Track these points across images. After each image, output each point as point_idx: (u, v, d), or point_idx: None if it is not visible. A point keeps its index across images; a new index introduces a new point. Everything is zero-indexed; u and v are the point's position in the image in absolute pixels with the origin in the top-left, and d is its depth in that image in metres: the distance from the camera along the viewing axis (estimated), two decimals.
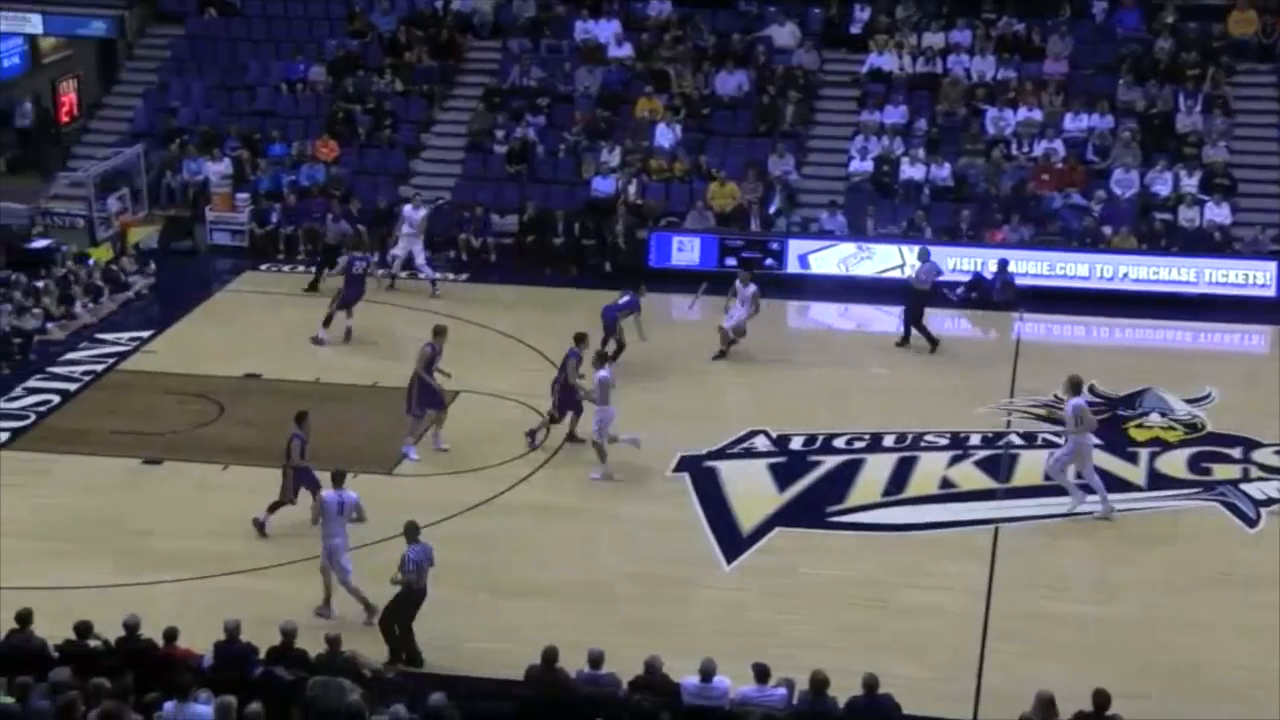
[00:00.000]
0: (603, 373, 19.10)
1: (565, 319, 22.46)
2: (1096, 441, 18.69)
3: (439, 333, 19.99)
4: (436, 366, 19.75)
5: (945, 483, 19.36)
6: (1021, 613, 16.43)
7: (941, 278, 24.26)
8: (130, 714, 11.67)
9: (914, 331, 23.51)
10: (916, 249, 24.73)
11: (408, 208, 26.10)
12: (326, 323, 23.55)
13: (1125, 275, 25.90)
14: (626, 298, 22.21)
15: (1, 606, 14.95)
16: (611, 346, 21.75)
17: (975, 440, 20.34)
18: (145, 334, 23.90)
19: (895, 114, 28.95)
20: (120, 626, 13.73)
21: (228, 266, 27.14)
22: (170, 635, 13.75)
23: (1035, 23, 30.30)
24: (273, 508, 17.57)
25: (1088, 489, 18.40)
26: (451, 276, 26.60)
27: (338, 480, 16.24)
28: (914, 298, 23.72)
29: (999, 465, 19.62)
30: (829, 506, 18.69)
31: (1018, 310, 25.11)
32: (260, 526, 17.59)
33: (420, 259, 25.76)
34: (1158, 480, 19.45)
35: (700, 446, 20.04)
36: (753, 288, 22.78)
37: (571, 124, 29.31)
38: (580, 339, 19.99)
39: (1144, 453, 20.11)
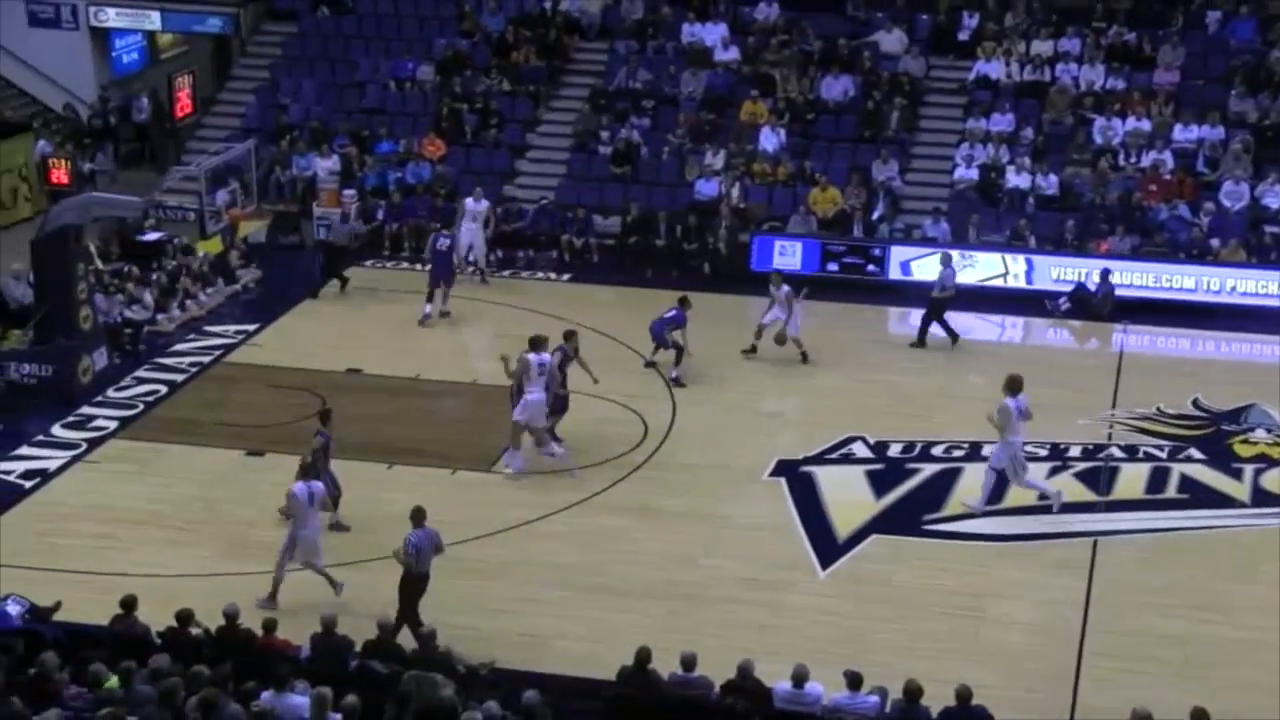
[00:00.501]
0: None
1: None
2: (1034, 452, 18.58)
3: (569, 336, 19.86)
4: (570, 365, 19.72)
5: (1044, 494, 19.09)
6: (1119, 628, 16.16)
7: (953, 283, 23.98)
8: (229, 702, 11.82)
9: (921, 334, 23.59)
10: (939, 254, 24.59)
11: (469, 200, 26.30)
12: (429, 299, 23.86)
13: (1233, 289, 25.38)
14: (673, 311, 22.08)
15: (107, 592, 15.27)
16: (659, 355, 21.85)
17: (1075, 452, 20.06)
18: (251, 327, 24.23)
19: (1002, 122, 28.62)
20: (220, 615, 13.93)
21: None
22: (269, 626, 13.94)
23: (1146, 32, 29.80)
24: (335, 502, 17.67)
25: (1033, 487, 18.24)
26: (554, 276, 26.71)
27: (306, 473, 16.34)
28: (935, 304, 23.61)
29: (1099, 478, 19.32)
30: (926, 515, 18.51)
31: (1120, 322, 24.72)
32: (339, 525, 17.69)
33: (480, 249, 25.88)
34: (1262, 497, 19.05)
35: (797, 452, 19.94)
36: (785, 289, 22.63)
37: (676, 126, 29.31)
38: (569, 335, 19.92)
39: (1249, 469, 19.71)
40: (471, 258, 26.01)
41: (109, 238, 25.74)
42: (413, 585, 15.31)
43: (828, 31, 30.74)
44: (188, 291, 24.70)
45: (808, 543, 17.84)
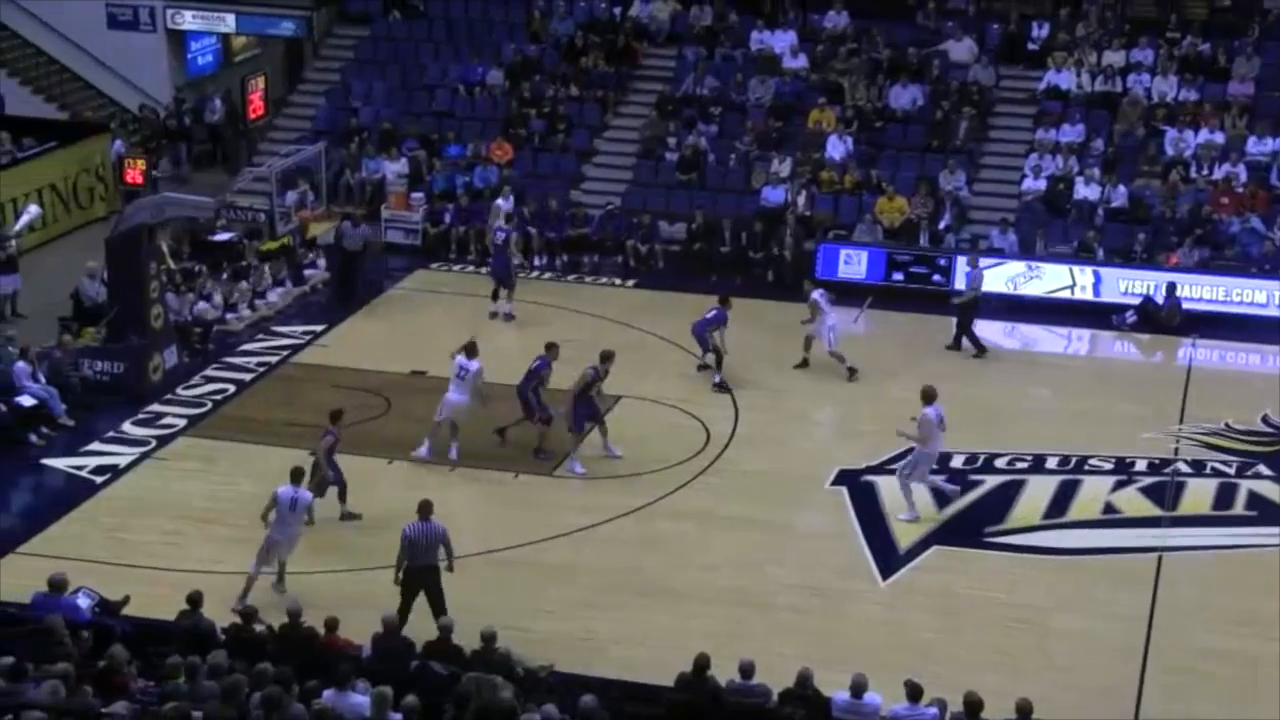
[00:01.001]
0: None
1: (728, 327, 22.40)
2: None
3: (606, 358, 19.87)
4: (596, 389, 19.73)
5: (1109, 508, 18.94)
6: (1184, 645, 16.00)
7: (979, 285, 24.00)
8: (291, 700, 11.93)
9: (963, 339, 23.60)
10: (966, 258, 24.56)
11: (499, 200, 26.43)
12: (494, 296, 24.22)
13: None
14: (713, 311, 22.10)
15: (174, 588, 15.47)
16: (710, 358, 21.82)
17: (1141, 466, 19.87)
18: (318, 328, 24.44)
19: (1072, 133, 28.40)
20: (284, 614, 14.07)
21: (400, 264, 27.61)
22: (331, 625, 14.05)
23: (1221, 43, 29.48)
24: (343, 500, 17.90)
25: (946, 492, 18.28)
26: (618, 282, 26.77)
27: (295, 478, 16.42)
28: (963, 308, 23.62)
29: (1165, 492, 19.13)
30: (988, 527, 18.41)
31: (1189, 335, 24.46)
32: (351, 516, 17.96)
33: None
34: None
35: (859, 461, 19.88)
36: (818, 295, 22.74)
37: (743, 133, 29.30)
38: (550, 348, 19.91)
39: None
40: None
41: (181, 237, 26.06)
42: (406, 578, 15.36)
43: (897, 40, 30.63)
44: (256, 292, 24.94)
45: (868, 552, 17.79)
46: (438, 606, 15.34)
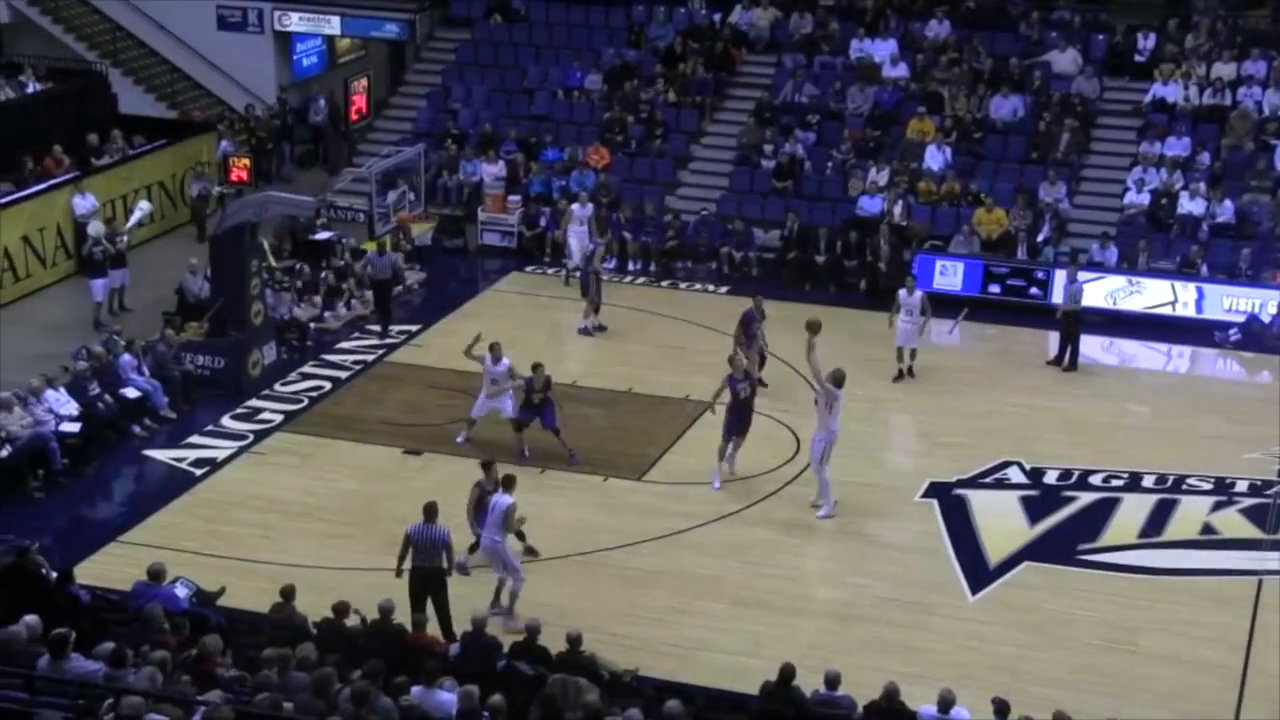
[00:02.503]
0: None
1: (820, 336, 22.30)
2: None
3: (745, 373, 19.61)
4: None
5: (1207, 529, 18.66)
6: None
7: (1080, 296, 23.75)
8: (380, 695, 12.08)
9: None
10: (1065, 271, 24.38)
11: (575, 205, 26.55)
12: (588, 312, 24.31)
13: None
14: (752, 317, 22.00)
15: (267, 580, 15.72)
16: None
17: (1242, 487, 19.55)
18: (414, 328, 24.69)
19: (1177, 146, 27.99)
20: (375, 610, 14.23)
21: (495, 266, 27.84)
22: (419, 623, 14.22)
23: None
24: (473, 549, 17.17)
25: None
26: (712, 288, 26.79)
27: (503, 484, 16.22)
28: (1067, 318, 23.39)
29: (1266, 515, 18.79)
30: (1081, 544, 18.20)
31: None
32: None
33: (576, 251, 26.12)
34: None
35: (950, 474, 19.75)
36: (917, 295, 22.65)
37: (841, 142, 29.21)
38: (536, 367, 19.79)
39: None
40: (578, 260, 26.08)
41: (282, 236, 26.44)
42: (412, 579, 15.37)
43: (999, 50, 30.39)
44: (353, 292, 25.23)
45: (958, 566, 17.66)
46: (444, 617, 15.33)
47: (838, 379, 18.36)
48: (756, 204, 28.59)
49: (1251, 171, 27.57)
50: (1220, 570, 17.75)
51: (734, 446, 19.46)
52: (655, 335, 24.51)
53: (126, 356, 21.10)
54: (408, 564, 15.47)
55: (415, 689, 12.53)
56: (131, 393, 20.75)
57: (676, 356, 23.45)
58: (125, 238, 25.05)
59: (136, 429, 20.65)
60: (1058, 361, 23.41)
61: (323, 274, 25.40)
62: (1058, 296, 25.19)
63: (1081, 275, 24.42)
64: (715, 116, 30.84)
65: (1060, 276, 25.20)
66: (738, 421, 19.39)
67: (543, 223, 28.30)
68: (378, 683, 12.25)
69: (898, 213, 27.37)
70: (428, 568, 15.43)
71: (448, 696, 12.49)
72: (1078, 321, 23.54)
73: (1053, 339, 24.19)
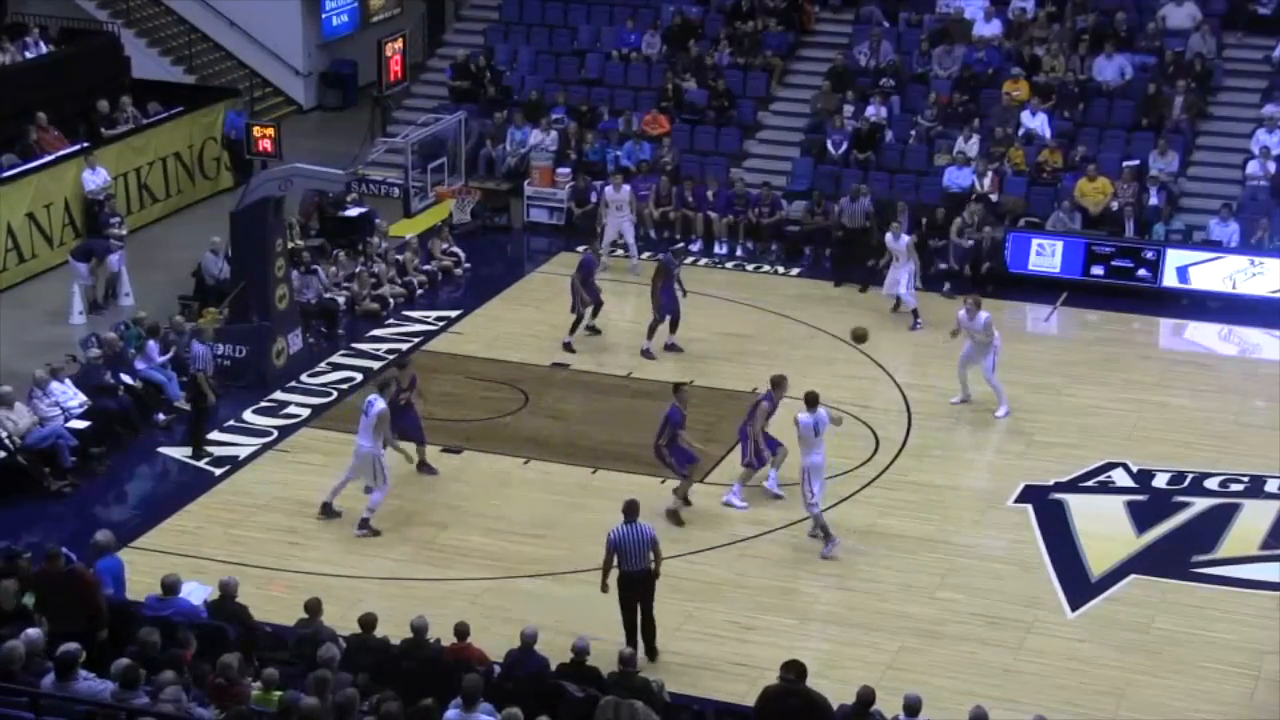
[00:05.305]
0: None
1: (898, 323, 22.27)
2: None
3: (778, 384, 19.15)
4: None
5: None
6: None
7: None
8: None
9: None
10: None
11: (609, 189, 26.49)
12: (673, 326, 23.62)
13: None
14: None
15: (289, 589, 15.77)
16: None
17: None
18: (453, 313, 24.74)
19: None
20: (407, 626, 14.24)
21: (543, 245, 27.84)
22: (461, 632, 14.21)
23: None
24: None
25: None
26: (780, 270, 26.67)
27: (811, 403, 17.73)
28: None
29: None
30: (1195, 555, 18.07)
31: None
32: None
33: (630, 236, 26.17)
34: None
35: (1048, 477, 19.59)
36: (905, 240, 23.66)
37: (926, 108, 29.00)
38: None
39: None
40: (627, 242, 26.16)
41: (309, 212, 26.54)
42: (622, 585, 15.59)
43: (1105, 5, 30.08)
44: (388, 273, 25.28)
45: (1055, 579, 17.55)
46: (648, 623, 15.63)
47: (810, 400, 18.10)
48: (832, 177, 28.32)
49: None
50: None
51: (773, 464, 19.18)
52: (720, 321, 24.33)
53: (152, 342, 21.34)
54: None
55: (451, 712, 12.53)
56: (131, 380, 20.82)
57: (740, 345, 23.39)
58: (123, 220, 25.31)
59: (161, 417, 20.87)
60: None
61: (354, 255, 25.43)
62: (1170, 279, 24.91)
63: (1197, 255, 24.07)
64: (786, 80, 30.69)
65: (1172, 257, 24.91)
66: (772, 444, 19.01)
67: (593, 198, 28.22)
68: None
69: (989, 186, 27.14)
70: (636, 571, 15.59)
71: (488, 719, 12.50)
72: None
73: (1164, 325, 23.95)
